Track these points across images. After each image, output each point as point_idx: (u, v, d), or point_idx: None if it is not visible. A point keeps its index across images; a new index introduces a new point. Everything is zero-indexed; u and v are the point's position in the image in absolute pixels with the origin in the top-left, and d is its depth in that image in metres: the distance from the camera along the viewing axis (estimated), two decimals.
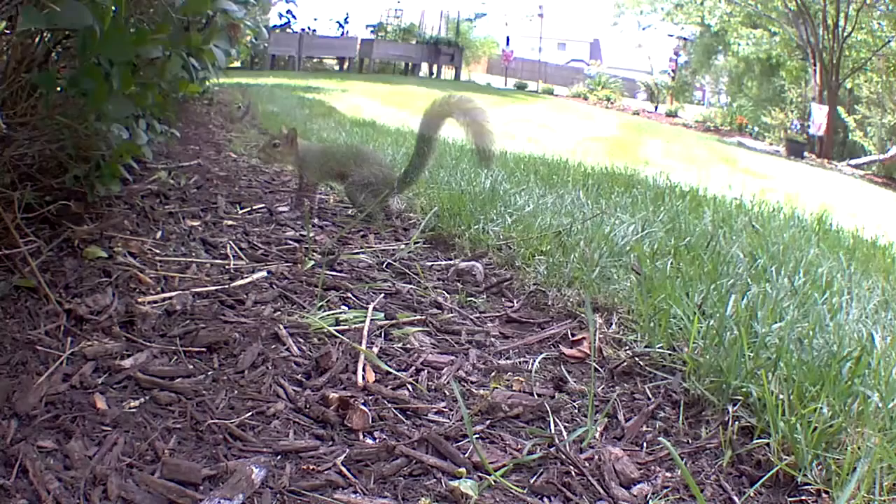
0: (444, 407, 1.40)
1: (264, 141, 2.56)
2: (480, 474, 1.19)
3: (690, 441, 1.34)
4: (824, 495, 1.15)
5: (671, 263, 2.03)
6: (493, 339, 1.76)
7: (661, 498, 1.16)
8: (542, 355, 1.66)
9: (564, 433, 1.34)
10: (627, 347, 1.69)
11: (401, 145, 4.85)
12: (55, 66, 1.84)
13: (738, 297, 1.72)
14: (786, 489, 1.19)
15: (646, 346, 1.66)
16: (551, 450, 1.27)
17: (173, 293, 1.80)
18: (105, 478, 1.07)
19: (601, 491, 1.17)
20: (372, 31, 23.20)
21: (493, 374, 1.56)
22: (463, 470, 1.18)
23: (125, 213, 2.40)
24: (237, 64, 16.52)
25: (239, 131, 5.27)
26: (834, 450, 1.21)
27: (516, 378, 1.53)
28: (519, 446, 1.29)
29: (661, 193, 3.66)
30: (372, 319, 1.76)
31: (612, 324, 1.82)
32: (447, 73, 23.83)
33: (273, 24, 18.92)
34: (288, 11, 19.55)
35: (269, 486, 1.10)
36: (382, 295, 1.97)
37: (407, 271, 2.20)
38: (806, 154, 16.46)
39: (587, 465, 1.23)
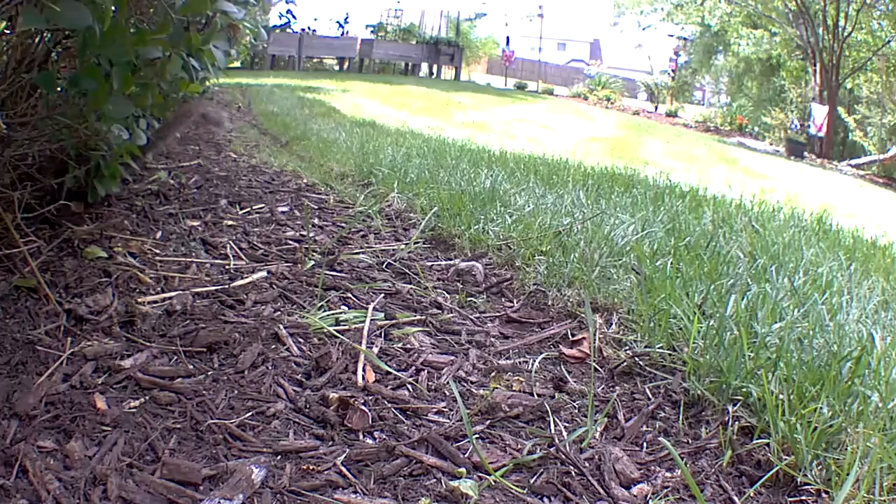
0: (444, 407, 1.40)
1: None
2: (480, 474, 1.19)
3: (690, 441, 1.34)
4: (824, 495, 1.15)
5: (671, 263, 2.03)
6: (493, 339, 1.76)
7: (661, 498, 1.16)
8: (542, 355, 1.66)
9: (564, 433, 1.34)
10: (627, 347, 1.69)
11: (400, 145, 4.85)
12: (55, 66, 1.84)
13: (738, 297, 1.72)
14: (786, 489, 1.19)
15: (646, 346, 1.66)
16: (551, 450, 1.27)
17: (173, 293, 1.80)
18: (105, 478, 1.07)
19: (601, 491, 1.17)
20: (372, 31, 23.18)
21: (493, 374, 1.55)
22: (463, 470, 1.18)
23: (125, 213, 2.40)
24: (237, 64, 16.53)
25: (239, 131, 5.27)
26: (834, 450, 1.21)
27: (516, 378, 1.53)
28: (519, 446, 1.29)
29: (661, 193, 3.66)
30: (372, 319, 1.76)
31: (612, 324, 1.82)
32: (447, 73, 23.81)
33: (273, 24, 18.92)
34: (288, 11, 19.55)
35: (269, 486, 1.10)
36: (382, 295, 1.97)
37: (407, 271, 2.20)
38: (806, 154, 16.45)
39: (587, 465, 1.23)
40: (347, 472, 1.16)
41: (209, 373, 1.44)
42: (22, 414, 1.20)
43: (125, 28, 1.66)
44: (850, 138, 18.21)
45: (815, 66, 17.66)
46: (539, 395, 1.48)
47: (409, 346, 1.67)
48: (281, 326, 1.66)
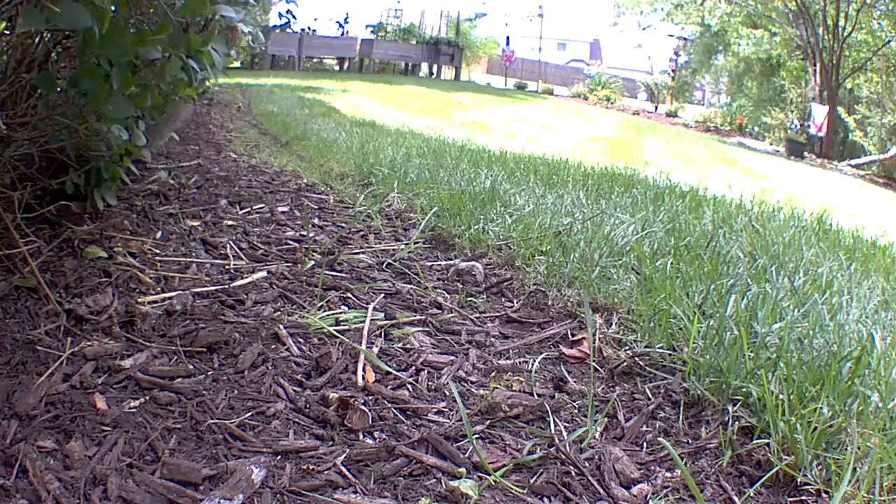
0: (444, 407, 1.40)
1: None
2: (480, 474, 1.19)
3: (690, 441, 1.34)
4: (824, 495, 1.15)
5: (671, 263, 2.02)
6: (493, 339, 1.76)
7: (661, 498, 1.16)
8: (542, 355, 1.66)
9: (564, 433, 1.34)
10: (627, 347, 1.69)
11: (400, 145, 4.85)
12: (55, 67, 1.85)
13: (738, 297, 1.72)
14: (786, 489, 1.19)
15: (646, 346, 1.66)
16: (551, 450, 1.27)
17: (173, 293, 1.80)
18: (105, 478, 1.07)
19: (601, 491, 1.17)
20: (372, 31, 23.17)
21: (493, 374, 1.55)
22: (463, 470, 1.18)
23: (125, 213, 2.40)
24: (237, 64, 16.53)
25: (239, 131, 5.27)
26: (834, 450, 1.21)
27: (516, 378, 1.53)
28: (519, 446, 1.29)
29: (661, 193, 3.66)
30: (372, 319, 1.76)
31: (612, 324, 1.82)
32: (447, 73, 23.80)
33: (273, 23, 18.91)
34: (288, 11, 19.54)
35: (269, 486, 1.10)
36: (382, 295, 1.97)
37: (407, 271, 2.20)
38: (806, 154, 16.45)
39: (587, 465, 1.23)
40: (347, 472, 1.16)
41: (209, 373, 1.44)
42: (22, 414, 1.20)
43: (125, 28, 1.66)
44: (850, 138, 18.22)
45: (815, 66, 17.65)
46: (539, 395, 1.48)
47: (409, 346, 1.67)
48: (281, 326, 1.66)
